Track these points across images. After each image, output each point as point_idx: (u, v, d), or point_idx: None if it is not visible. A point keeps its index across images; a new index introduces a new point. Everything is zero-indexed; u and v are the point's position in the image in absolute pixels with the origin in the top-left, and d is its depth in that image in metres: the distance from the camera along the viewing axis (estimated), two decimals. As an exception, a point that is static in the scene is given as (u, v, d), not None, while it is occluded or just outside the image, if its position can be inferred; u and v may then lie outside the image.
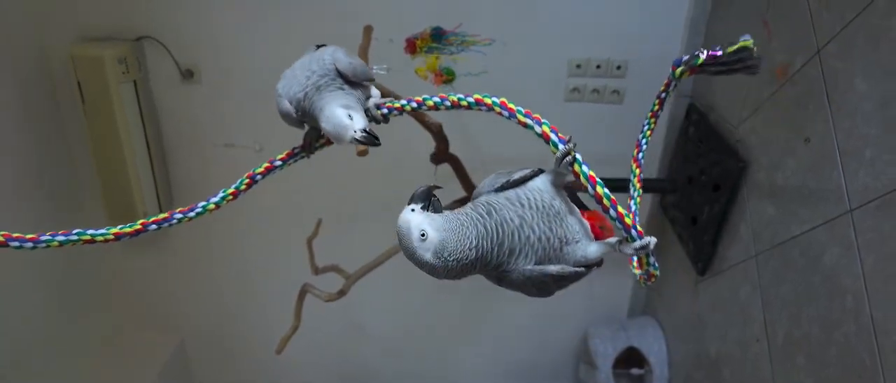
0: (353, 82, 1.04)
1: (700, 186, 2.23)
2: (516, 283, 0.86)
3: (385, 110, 1.04)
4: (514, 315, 3.21)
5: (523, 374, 3.43)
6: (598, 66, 2.49)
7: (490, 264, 0.84)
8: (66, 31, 2.56)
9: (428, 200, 0.83)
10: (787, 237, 1.74)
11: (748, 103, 2.01)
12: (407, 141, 2.24)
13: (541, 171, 0.91)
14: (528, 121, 0.89)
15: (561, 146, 0.85)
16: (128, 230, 0.97)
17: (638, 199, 0.98)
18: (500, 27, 2.47)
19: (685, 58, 0.90)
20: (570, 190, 0.93)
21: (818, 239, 1.60)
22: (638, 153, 1.03)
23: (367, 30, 1.99)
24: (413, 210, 0.82)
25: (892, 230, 1.33)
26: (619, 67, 2.49)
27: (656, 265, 0.92)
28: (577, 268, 0.86)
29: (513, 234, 0.83)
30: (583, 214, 0.93)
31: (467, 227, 0.82)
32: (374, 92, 1.10)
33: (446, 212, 0.84)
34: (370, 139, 0.98)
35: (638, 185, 1.00)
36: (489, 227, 0.82)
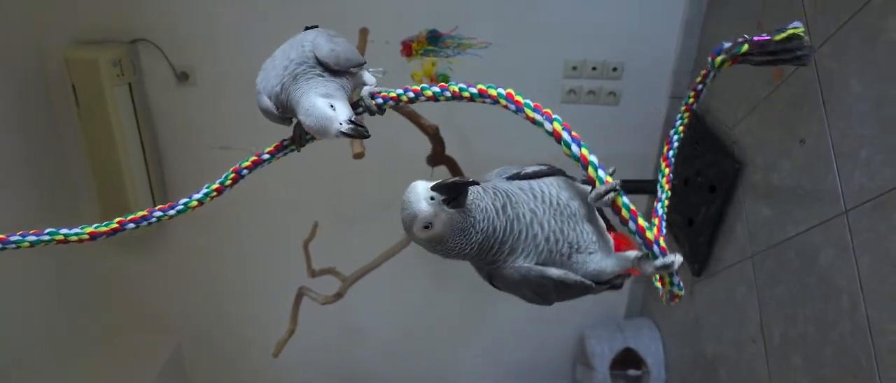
0: (338, 71, 0.92)
1: (696, 187, 2.24)
2: (510, 282, 0.78)
3: (380, 100, 0.94)
4: (512, 317, 3.21)
5: (520, 376, 3.42)
6: (593, 68, 2.50)
7: (484, 259, 0.78)
8: (60, 33, 2.55)
9: (454, 195, 0.71)
10: (783, 238, 1.75)
11: (744, 105, 2.02)
12: (403, 143, 2.24)
13: (559, 172, 0.84)
14: (538, 116, 0.79)
15: (602, 172, 0.76)
16: (104, 229, 0.91)
17: (665, 202, 0.88)
18: (497, 29, 2.47)
19: (726, 45, 0.80)
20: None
21: (814, 239, 1.61)
22: (668, 150, 0.92)
23: (363, 32, 1.99)
24: (433, 198, 0.72)
25: (888, 230, 1.33)
26: (615, 69, 2.49)
27: (680, 285, 0.83)
28: (584, 280, 0.78)
29: (520, 232, 0.75)
30: (609, 232, 0.85)
31: (476, 225, 0.73)
32: (368, 78, 0.98)
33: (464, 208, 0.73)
34: (359, 131, 0.86)
35: (666, 187, 0.91)
36: (498, 227, 0.74)
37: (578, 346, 3.13)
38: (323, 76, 0.90)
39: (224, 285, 3.22)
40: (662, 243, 0.78)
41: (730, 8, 2.20)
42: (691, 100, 0.92)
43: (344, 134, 0.86)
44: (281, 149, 0.98)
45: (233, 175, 0.97)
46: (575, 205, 0.79)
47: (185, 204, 0.94)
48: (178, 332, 3.40)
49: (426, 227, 0.72)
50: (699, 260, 2.24)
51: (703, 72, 0.85)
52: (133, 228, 0.92)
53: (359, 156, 1.84)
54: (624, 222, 0.76)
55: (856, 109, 1.46)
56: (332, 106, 0.86)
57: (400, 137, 2.17)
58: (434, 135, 2.03)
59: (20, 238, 0.89)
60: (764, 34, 0.78)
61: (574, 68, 2.51)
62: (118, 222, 0.92)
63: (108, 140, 2.57)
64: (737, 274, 2.03)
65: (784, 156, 1.76)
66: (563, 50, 2.49)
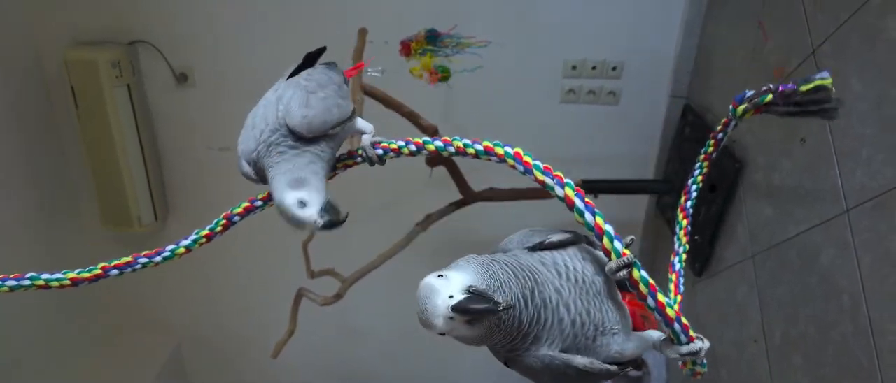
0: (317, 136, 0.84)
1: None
2: (530, 369, 0.71)
3: (380, 151, 0.89)
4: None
5: (520, 376, 3.42)
6: (593, 68, 2.49)
7: (505, 348, 0.71)
8: (59, 35, 2.55)
9: (476, 319, 0.64)
10: (784, 237, 1.74)
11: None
12: (403, 143, 2.24)
13: (581, 239, 0.78)
14: (548, 180, 0.72)
15: (618, 244, 0.70)
16: (86, 275, 0.89)
17: (683, 257, 0.83)
18: (496, 29, 2.46)
19: (749, 94, 0.75)
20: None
21: (815, 239, 1.60)
22: (686, 201, 0.87)
23: (362, 32, 1.99)
24: (452, 318, 0.64)
25: (889, 230, 1.33)
26: (614, 68, 2.49)
27: (704, 363, 0.79)
28: (609, 368, 0.72)
29: (546, 320, 0.68)
30: (623, 297, 0.78)
31: (501, 326, 0.66)
32: (363, 124, 0.92)
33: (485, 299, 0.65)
34: (334, 224, 0.82)
35: (684, 240, 0.85)
36: (524, 320, 0.67)
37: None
38: (296, 148, 0.82)
39: (223, 286, 3.21)
40: (684, 320, 0.73)
41: (729, 7, 2.20)
42: (711, 149, 0.86)
43: (323, 228, 0.82)
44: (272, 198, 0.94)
45: (223, 221, 0.94)
46: (599, 280, 0.73)
47: (172, 251, 0.92)
48: (178, 333, 3.40)
49: (441, 334, 0.67)
50: (700, 259, 2.23)
51: (724, 120, 0.81)
52: (117, 275, 0.90)
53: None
54: (642, 298, 0.72)
55: (856, 109, 1.45)
56: (301, 202, 0.81)
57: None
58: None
59: (0, 282, 0.86)
60: (790, 84, 0.74)
61: (574, 68, 2.50)
62: (101, 268, 0.91)
63: (107, 141, 2.57)
64: (738, 273, 2.02)
65: (785, 155, 1.76)
66: (563, 49, 2.49)
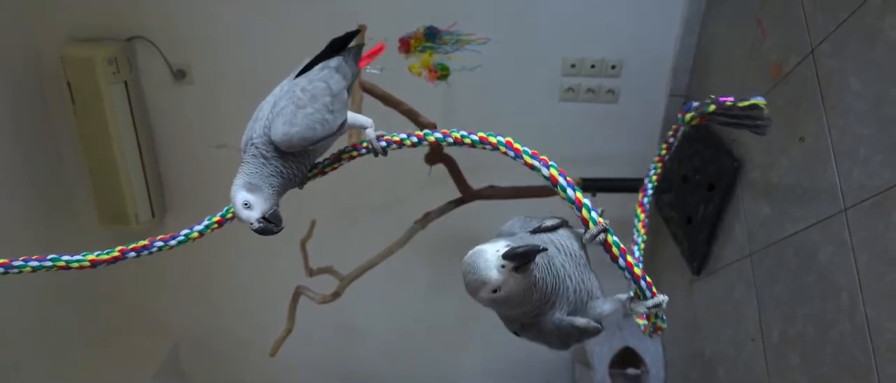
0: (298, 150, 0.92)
1: (695, 185, 2.23)
2: (544, 333, 0.83)
3: (383, 143, 0.99)
4: (510, 315, 3.21)
5: (519, 375, 3.42)
6: (592, 66, 2.49)
7: (530, 312, 0.81)
8: (55, 31, 2.54)
9: (524, 263, 0.73)
10: (782, 236, 1.75)
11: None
12: (401, 141, 2.23)
13: (566, 223, 0.89)
14: (535, 162, 0.85)
15: (594, 214, 0.82)
16: (105, 257, 0.94)
17: (642, 246, 0.95)
18: (495, 26, 2.46)
19: (695, 104, 0.90)
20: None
21: (812, 238, 1.60)
22: (643, 197, 1.01)
23: (361, 28, 1.98)
24: (503, 267, 0.73)
25: (886, 229, 1.33)
26: (613, 67, 2.48)
27: (665, 319, 0.91)
28: (598, 325, 0.84)
29: (559, 287, 0.80)
30: None
31: (537, 284, 0.77)
32: (362, 119, 1.00)
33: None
34: (266, 232, 0.93)
35: (642, 230, 0.98)
36: (549, 284, 0.78)
37: (577, 345, 3.12)
38: (265, 158, 0.91)
39: (221, 285, 3.21)
40: (648, 279, 0.83)
41: (728, 5, 2.20)
42: (664, 152, 1.00)
43: (256, 231, 0.93)
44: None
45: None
46: (583, 254, 0.85)
47: (186, 235, 0.99)
48: (176, 333, 3.39)
49: (494, 291, 0.75)
50: (698, 258, 2.23)
51: (674, 127, 0.95)
52: (134, 257, 0.96)
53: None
54: (614, 259, 0.83)
55: (855, 108, 1.45)
56: (246, 204, 0.91)
57: (400, 131, 2.16)
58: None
59: (22, 263, 0.92)
60: (730, 97, 0.89)
61: (573, 66, 2.50)
62: (120, 250, 0.96)
63: (104, 138, 2.56)
64: (735, 272, 2.02)
65: (783, 154, 1.76)
66: (562, 47, 2.49)
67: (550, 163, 0.85)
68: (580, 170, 2.27)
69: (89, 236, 2.88)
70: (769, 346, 1.81)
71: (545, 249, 0.75)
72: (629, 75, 2.50)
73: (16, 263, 0.91)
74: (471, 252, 0.75)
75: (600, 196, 2.23)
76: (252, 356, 3.21)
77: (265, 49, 2.52)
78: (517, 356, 3.36)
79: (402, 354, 3.43)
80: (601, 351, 2.80)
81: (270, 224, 0.94)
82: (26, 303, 2.75)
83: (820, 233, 1.57)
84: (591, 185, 2.20)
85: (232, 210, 0.95)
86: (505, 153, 0.87)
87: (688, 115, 0.90)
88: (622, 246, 0.83)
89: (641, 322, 0.93)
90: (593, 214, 0.82)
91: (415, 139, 0.95)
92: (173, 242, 0.97)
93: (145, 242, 0.96)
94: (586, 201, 0.83)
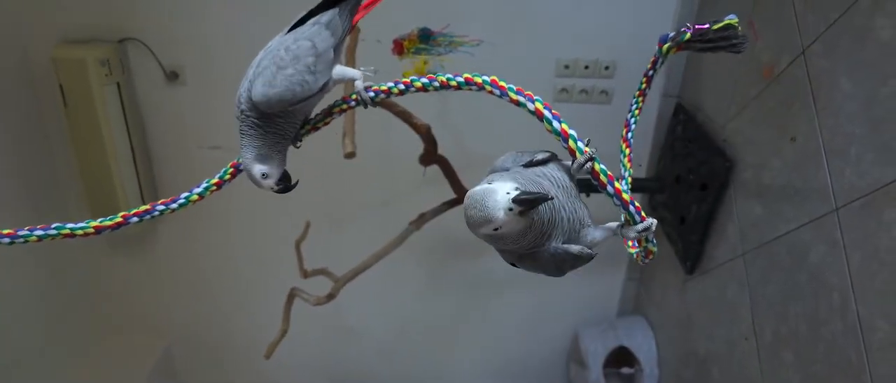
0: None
1: (688, 185, 2.25)
2: (541, 262, 0.86)
3: (372, 94, 0.97)
4: (505, 315, 3.21)
5: (514, 374, 3.43)
6: (586, 67, 2.50)
7: (526, 246, 0.83)
8: (47, 33, 2.52)
9: (531, 208, 0.76)
10: (774, 236, 1.76)
11: (735, 103, 2.02)
12: (395, 143, 2.23)
13: (554, 156, 0.92)
14: (521, 98, 0.86)
15: (580, 144, 0.85)
16: (108, 223, 0.94)
17: (628, 180, 0.98)
18: (488, 28, 2.47)
19: (671, 34, 0.91)
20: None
21: (804, 237, 1.62)
22: (627, 132, 1.04)
23: (354, 30, 1.98)
24: (511, 209, 0.75)
25: (878, 228, 1.34)
26: (607, 68, 2.49)
27: (654, 241, 0.92)
28: (591, 252, 0.87)
29: (555, 219, 0.82)
30: None
31: (534, 223, 0.79)
32: (351, 72, 1.01)
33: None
34: (286, 190, 1.00)
35: (628, 165, 1.01)
36: (545, 219, 0.80)
37: (572, 345, 3.13)
38: (261, 126, 0.94)
39: (215, 285, 3.19)
40: (637, 204, 0.86)
41: (721, 7, 2.21)
42: (644, 85, 1.01)
43: (278, 192, 1.00)
44: None
45: (231, 169, 1.01)
46: (573, 185, 0.87)
47: (186, 198, 0.99)
48: (169, 333, 3.38)
49: (495, 229, 0.77)
50: (691, 258, 2.25)
51: (653, 58, 0.96)
52: (137, 221, 0.96)
53: (350, 155, 1.83)
54: (602, 186, 0.85)
55: (846, 108, 1.46)
56: (264, 175, 0.96)
57: (392, 137, 2.16)
58: (426, 135, 2.02)
59: (28, 232, 0.93)
60: (705, 24, 0.91)
61: (566, 67, 2.51)
62: (122, 216, 0.95)
63: (96, 140, 2.54)
64: (728, 272, 2.03)
65: (775, 154, 1.77)
66: (555, 48, 2.49)
67: (535, 97, 0.86)
68: (563, 144, 2.28)
69: (82, 238, 2.86)
70: (762, 345, 1.82)
71: (553, 198, 0.79)
72: (623, 76, 2.51)
73: (21, 232, 0.93)
74: (479, 188, 0.77)
75: (594, 197, 2.24)
76: (246, 357, 3.20)
77: (258, 49, 2.51)
78: (513, 355, 3.37)
79: (397, 355, 3.42)
80: (595, 350, 2.81)
81: (287, 183, 0.99)
82: (17, 304, 2.73)
83: (812, 232, 1.58)
84: (584, 186, 2.20)
85: (229, 174, 1.00)
86: (490, 91, 0.88)
87: (664, 46, 0.91)
88: (610, 173, 0.85)
89: (632, 251, 0.95)
90: (580, 144, 0.85)
91: (401, 87, 0.94)
92: (174, 205, 0.97)
93: (147, 206, 0.96)
94: (572, 132, 0.85)
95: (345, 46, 1.06)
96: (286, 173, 1.00)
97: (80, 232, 0.95)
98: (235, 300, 3.22)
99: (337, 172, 2.66)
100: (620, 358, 2.81)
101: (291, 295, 2.28)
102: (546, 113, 0.85)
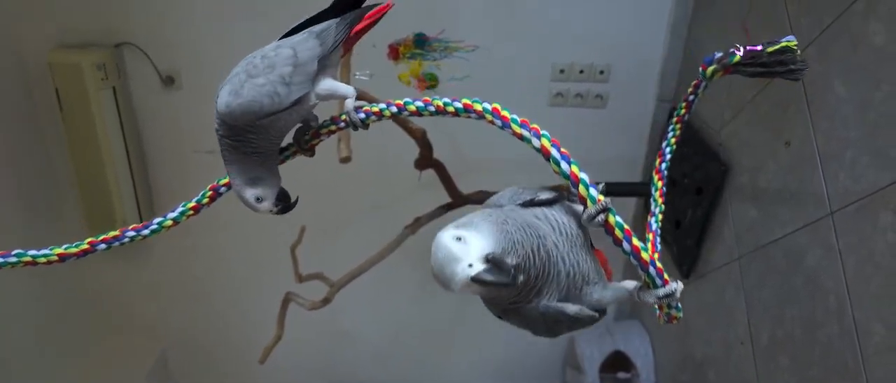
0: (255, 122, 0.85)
1: (683, 190, 2.25)
2: (527, 319, 0.75)
3: (362, 115, 0.89)
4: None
5: (510, 378, 3.42)
6: (581, 71, 2.50)
7: (509, 301, 0.74)
8: (43, 37, 2.51)
9: (497, 281, 0.66)
10: (770, 239, 1.76)
11: (730, 107, 2.03)
12: (390, 147, 2.23)
13: (563, 197, 0.81)
14: (525, 132, 0.75)
15: (593, 191, 0.73)
16: (74, 250, 0.87)
17: (659, 217, 0.87)
18: (484, 33, 2.47)
19: (718, 55, 0.77)
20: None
21: (800, 241, 1.62)
22: (660, 163, 0.90)
23: (350, 44, 1.98)
24: (471, 266, 0.66)
25: (873, 232, 1.34)
26: (602, 72, 2.50)
27: (679, 307, 0.81)
28: (593, 314, 0.75)
29: (548, 273, 0.71)
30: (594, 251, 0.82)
31: (516, 284, 0.69)
32: (344, 89, 0.92)
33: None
34: (287, 209, 0.95)
35: (660, 200, 0.89)
36: (532, 274, 0.70)
37: (568, 349, 3.13)
38: (235, 146, 0.86)
39: (210, 289, 3.18)
40: (659, 264, 0.74)
41: (715, 10, 2.22)
42: (683, 111, 0.88)
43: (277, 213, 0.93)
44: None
45: (210, 193, 0.94)
46: (581, 233, 0.76)
47: (159, 223, 0.91)
48: (164, 337, 3.36)
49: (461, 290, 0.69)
50: (687, 262, 2.25)
51: (695, 82, 0.83)
52: (104, 249, 0.89)
53: (346, 160, 1.83)
54: (617, 243, 0.73)
55: (840, 112, 1.47)
56: (258, 198, 0.90)
57: (388, 141, 2.16)
58: (422, 140, 2.02)
59: None
60: (758, 45, 0.76)
61: (561, 71, 2.51)
62: (89, 243, 0.89)
63: (92, 144, 2.53)
64: (724, 276, 2.04)
65: (770, 158, 1.77)
66: (551, 53, 2.50)
67: (542, 132, 0.74)
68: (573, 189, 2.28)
69: (76, 242, 2.85)
70: (758, 349, 1.82)
71: (513, 284, 0.67)
72: (617, 80, 2.52)
73: None
74: (444, 244, 0.68)
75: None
76: (241, 361, 3.18)
77: (254, 54, 2.51)
78: (508, 359, 3.36)
79: (392, 359, 3.41)
80: (592, 354, 2.80)
81: (286, 203, 0.94)
82: (13, 307, 2.72)
83: (807, 236, 1.59)
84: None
85: (208, 198, 0.94)
86: (491, 121, 0.78)
87: (710, 69, 0.77)
88: (627, 227, 0.72)
89: (657, 308, 0.83)
90: (592, 191, 0.72)
91: (394, 109, 0.85)
92: (146, 231, 0.89)
93: (116, 232, 0.88)
94: (583, 176, 0.72)
95: (338, 60, 0.98)
96: (283, 192, 0.92)
97: (42, 259, 0.88)
98: (231, 304, 3.21)
99: (332, 177, 2.65)
100: (617, 362, 2.80)
101: (286, 300, 2.28)
102: (553, 151, 0.73)
